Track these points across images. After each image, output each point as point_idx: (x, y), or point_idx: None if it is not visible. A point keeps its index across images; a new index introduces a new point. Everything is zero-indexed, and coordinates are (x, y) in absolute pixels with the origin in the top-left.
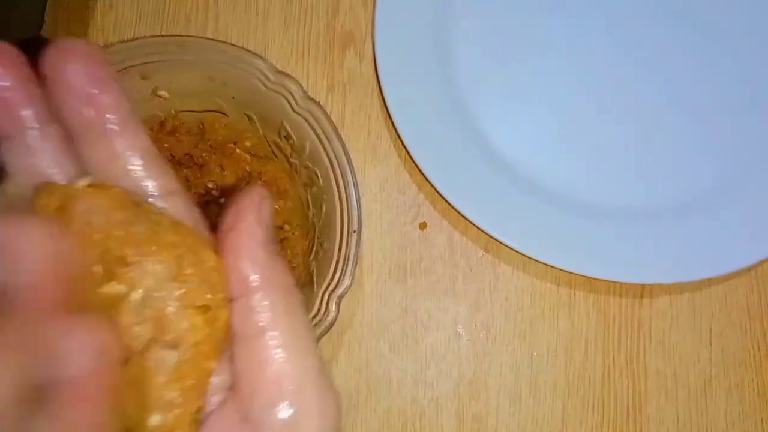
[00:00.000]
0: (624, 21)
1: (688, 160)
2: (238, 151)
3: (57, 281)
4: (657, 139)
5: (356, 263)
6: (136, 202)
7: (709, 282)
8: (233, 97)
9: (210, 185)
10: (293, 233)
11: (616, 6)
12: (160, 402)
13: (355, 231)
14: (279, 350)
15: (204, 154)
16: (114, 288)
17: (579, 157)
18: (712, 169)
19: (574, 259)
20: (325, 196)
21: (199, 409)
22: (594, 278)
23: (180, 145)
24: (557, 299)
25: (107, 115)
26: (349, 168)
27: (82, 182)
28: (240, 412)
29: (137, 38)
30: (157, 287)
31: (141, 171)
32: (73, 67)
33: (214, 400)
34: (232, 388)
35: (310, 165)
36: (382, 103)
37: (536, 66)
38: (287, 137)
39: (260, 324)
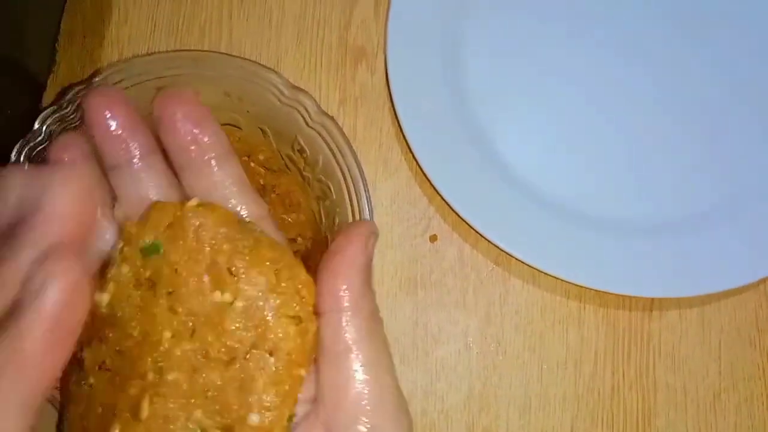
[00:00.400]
0: (634, 38)
1: (697, 174)
2: (252, 164)
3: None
4: (667, 153)
5: None
6: (239, 221)
7: (718, 296)
8: (248, 111)
9: None
10: (306, 246)
11: (624, 25)
12: (259, 403)
13: None
14: (362, 369)
15: None
16: (221, 297)
17: (589, 170)
18: (722, 183)
19: (583, 273)
20: (338, 210)
21: (291, 417)
22: (603, 292)
23: None
24: (567, 312)
25: (209, 152)
26: (362, 182)
27: (192, 202)
28: (323, 425)
29: (153, 53)
30: (258, 297)
31: (237, 198)
32: (180, 111)
33: (299, 411)
34: (316, 400)
35: (323, 178)
36: (394, 116)
37: (548, 79)
38: (301, 151)
39: (347, 342)
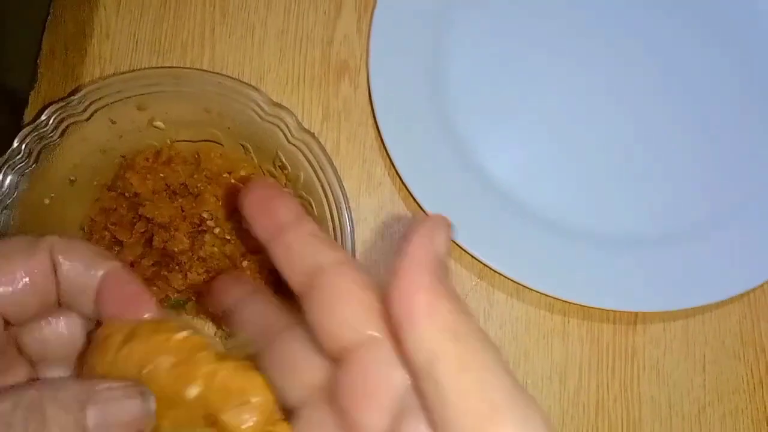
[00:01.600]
0: (620, 48)
1: (682, 189)
2: (233, 181)
3: None
4: (651, 167)
5: None
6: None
7: (703, 309)
8: (229, 128)
9: (205, 215)
10: None
11: (610, 34)
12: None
13: None
14: (460, 376)
15: (199, 184)
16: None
17: (572, 185)
18: (705, 198)
19: (567, 288)
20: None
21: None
22: (588, 306)
23: (175, 175)
24: (551, 327)
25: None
26: (344, 199)
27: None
28: None
29: (134, 70)
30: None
31: None
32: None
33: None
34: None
35: (304, 195)
36: (377, 131)
37: (530, 94)
38: (282, 167)
39: (433, 351)
